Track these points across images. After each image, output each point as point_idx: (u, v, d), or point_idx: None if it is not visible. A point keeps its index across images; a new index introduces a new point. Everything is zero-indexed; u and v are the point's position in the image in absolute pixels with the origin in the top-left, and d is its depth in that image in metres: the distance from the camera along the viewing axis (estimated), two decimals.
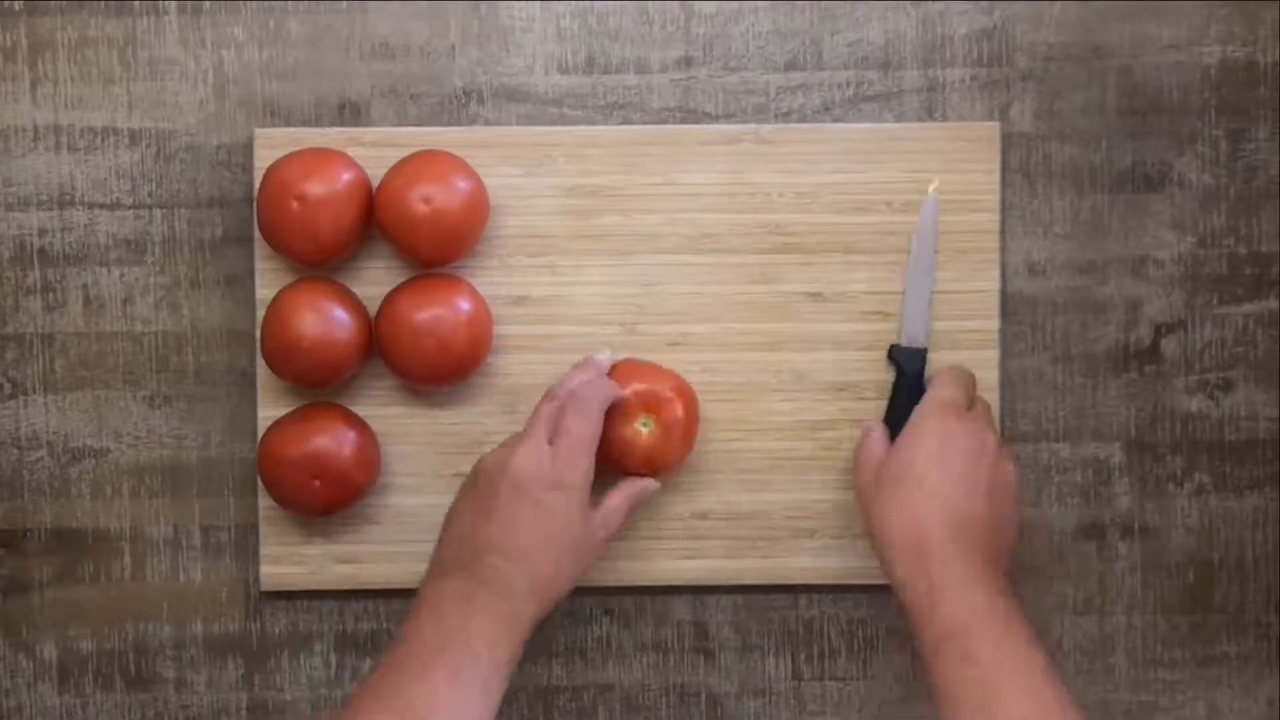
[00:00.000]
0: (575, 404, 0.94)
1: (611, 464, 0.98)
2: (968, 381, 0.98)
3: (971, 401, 0.97)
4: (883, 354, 1.02)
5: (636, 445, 0.97)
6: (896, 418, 0.98)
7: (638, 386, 0.98)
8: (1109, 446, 1.05)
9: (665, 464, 0.99)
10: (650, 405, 0.98)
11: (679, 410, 0.98)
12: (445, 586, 0.91)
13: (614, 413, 0.97)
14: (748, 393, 1.02)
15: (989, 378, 1.03)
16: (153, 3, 1.02)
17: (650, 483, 0.98)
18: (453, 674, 0.87)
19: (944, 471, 0.92)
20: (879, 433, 0.97)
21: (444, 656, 0.88)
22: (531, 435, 0.94)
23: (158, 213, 1.03)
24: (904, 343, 1.01)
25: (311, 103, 1.03)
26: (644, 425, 0.97)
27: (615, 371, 0.99)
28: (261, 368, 1.01)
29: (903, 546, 0.91)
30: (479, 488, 0.94)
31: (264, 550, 1.03)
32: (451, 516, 0.95)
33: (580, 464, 0.93)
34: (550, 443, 0.93)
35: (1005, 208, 1.03)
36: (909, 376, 1.00)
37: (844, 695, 1.05)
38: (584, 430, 0.93)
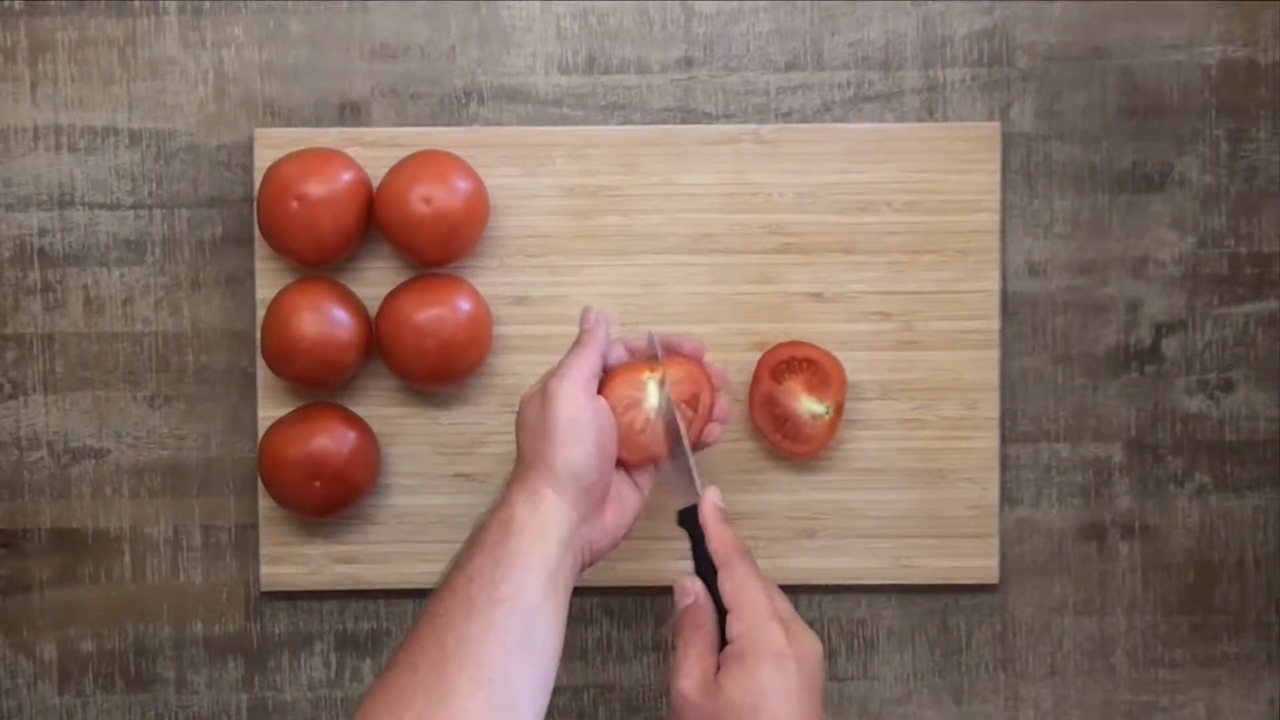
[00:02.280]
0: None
1: (631, 456, 0.93)
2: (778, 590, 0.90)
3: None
4: (885, 354, 1.02)
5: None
6: (705, 574, 0.90)
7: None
8: (1109, 446, 1.05)
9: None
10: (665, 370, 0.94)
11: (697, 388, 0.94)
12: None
13: (628, 392, 0.93)
14: (748, 393, 1.02)
15: (989, 378, 1.03)
16: (153, 2, 1.02)
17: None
18: (502, 526, 0.86)
19: (794, 708, 0.84)
20: (709, 627, 0.88)
21: (489, 521, 0.88)
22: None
23: (158, 213, 1.03)
24: (687, 504, 0.91)
25: (311, 103, 1.03)
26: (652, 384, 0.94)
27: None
28: (261, 368, 1.01)
29: None
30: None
31: (264, 550, 1.03)
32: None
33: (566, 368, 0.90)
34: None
35: (1005, 208, 1.03)
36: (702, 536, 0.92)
37: (844, 695, 1.05)
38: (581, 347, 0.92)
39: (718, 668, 0.86)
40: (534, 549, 0.86)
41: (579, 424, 0.88)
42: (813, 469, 1.03)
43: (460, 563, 0.86)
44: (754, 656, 0.85)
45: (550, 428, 0.88)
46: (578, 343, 0.92)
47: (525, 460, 0.89)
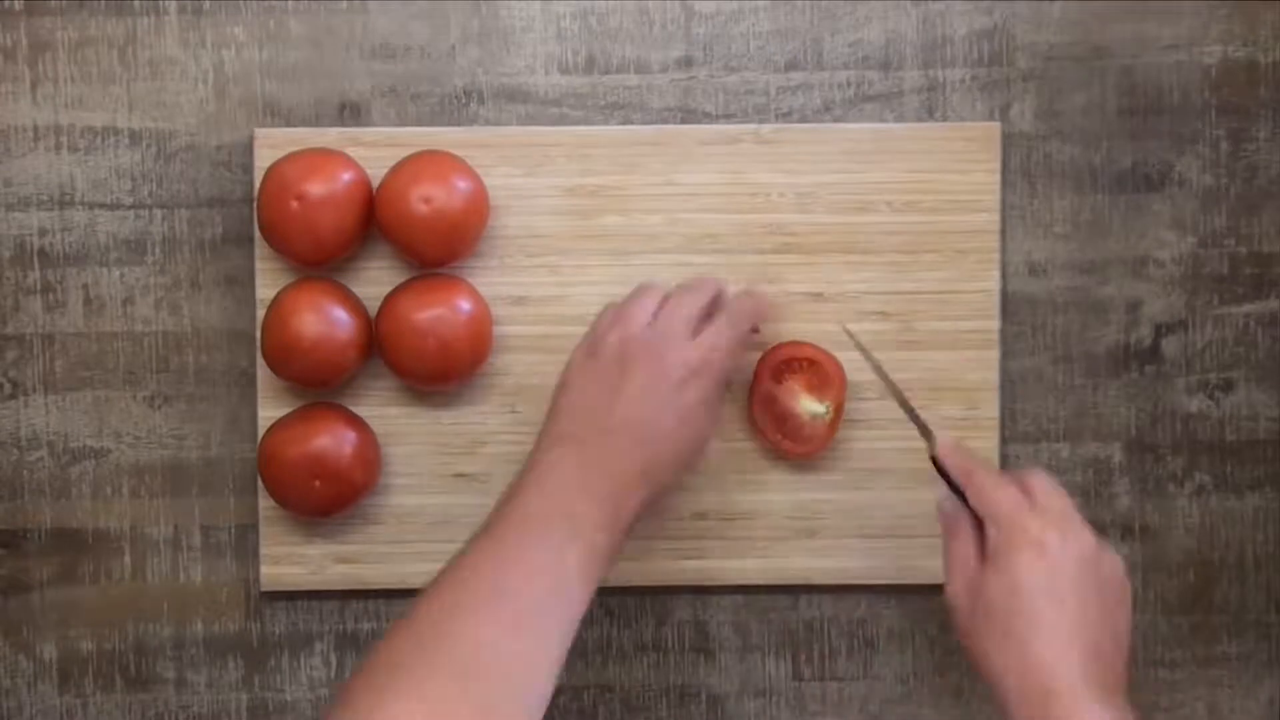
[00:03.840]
0: (731, 310, 0.95)
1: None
2: (1056, 487, 0.89)
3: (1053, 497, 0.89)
4: (885, 354, 1.02)
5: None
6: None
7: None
8: (1109, 446, 1.05)
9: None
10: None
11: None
12: (555, 460, 0.88)
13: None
14: (748, 393, 1.02)
15: (989, 378, 1.03)
16: (153, 2, 1.02)
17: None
18: (554, 550, 0.84)
19: (1058, 605, 0.84)
20: (966, 533, 0.89)
21: (546, 532, 0.85)
22: (675, 326, 0.92)
23: (158, 213, 1.03)
24: (930, 450, 0.94)
25: (311, 103, 1.03)
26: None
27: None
28: (261, 368, 1.01)
29: (1019, 693, 0.83)
30: (604, 360, 0.91)
31: (264, 550, 1.03)
32: (567, 386, 0.92)
33: (725, 361, 0.92)
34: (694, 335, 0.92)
35: (1005, 208, 1.03)
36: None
37: (844, 695, 1.05)
38: (736, 329, 0.94)
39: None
40: (581, 546, 0.86)
41: (701, 443, 0.92)
42: (813, 469, 1.03)
43: (496, 533, 0.85)
44: (1005, 551, 0.85)
45: (681, 446, 0.91)
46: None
47: (624, 456, 0.88)
